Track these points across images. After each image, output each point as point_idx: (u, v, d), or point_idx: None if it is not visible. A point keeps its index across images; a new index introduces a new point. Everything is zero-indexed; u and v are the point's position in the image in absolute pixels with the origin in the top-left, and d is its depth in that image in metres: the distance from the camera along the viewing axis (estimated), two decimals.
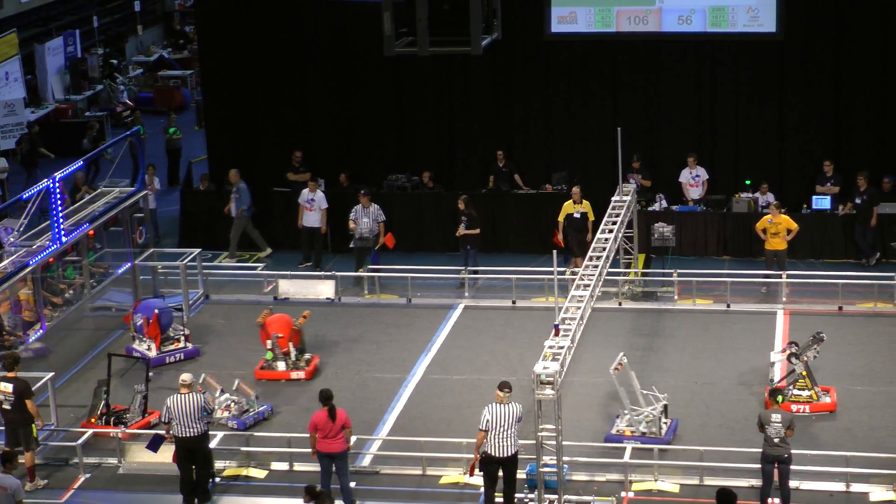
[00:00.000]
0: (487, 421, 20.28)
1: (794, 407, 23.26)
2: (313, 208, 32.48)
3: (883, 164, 32.84)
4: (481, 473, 20.61)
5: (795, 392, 23.81)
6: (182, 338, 27.47)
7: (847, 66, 33.20)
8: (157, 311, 27.04)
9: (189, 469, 21.43)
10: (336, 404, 21.14)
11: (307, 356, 26.36)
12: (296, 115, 35.99)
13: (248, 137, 36.29)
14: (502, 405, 20.36)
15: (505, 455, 20.30)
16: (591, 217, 30.77)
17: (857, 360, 25.90)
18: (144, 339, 26.99)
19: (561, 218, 31.21)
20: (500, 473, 20.57)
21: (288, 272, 30.48)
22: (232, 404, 24.22)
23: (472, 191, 33.45)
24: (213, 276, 31.08)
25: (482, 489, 20.95)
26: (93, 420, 24.18)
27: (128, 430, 23.45)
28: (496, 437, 20.25)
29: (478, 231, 31.11)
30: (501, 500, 20.67)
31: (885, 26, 32.70)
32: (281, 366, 26.03)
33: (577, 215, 30.87)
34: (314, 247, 32.70)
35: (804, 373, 23.84)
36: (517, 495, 20.71)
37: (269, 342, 26.08)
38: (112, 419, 24.08)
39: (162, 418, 21.55)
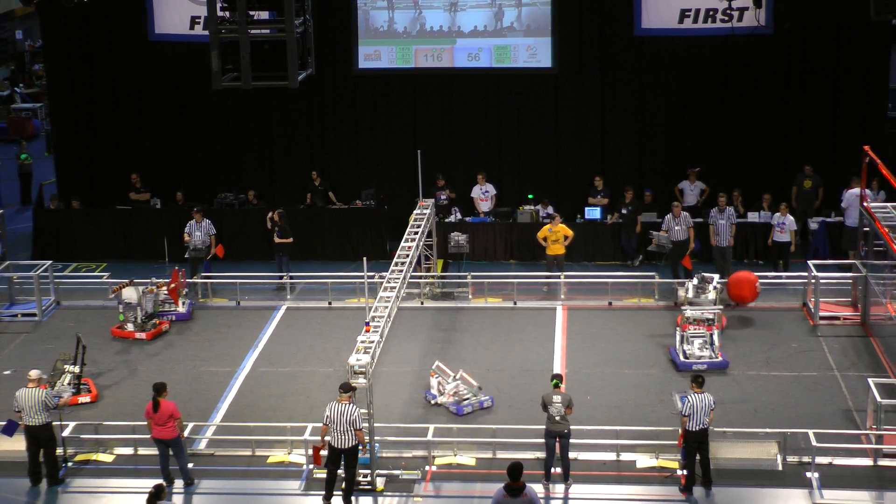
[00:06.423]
0: (327, 416, 20.08)
1: None
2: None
3: (644, 180, 33.42)
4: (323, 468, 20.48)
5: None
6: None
7: (611, 96, 33.74)
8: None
9: (36, 453, 21.15)
10: (174, 395, 20.82)
11: (154, 321, 26.26)
12: (135, 142, 35.49)
13: (93, 162, 35.73)
14: (341, 404, 20.08)
15: (345, 447, 20.08)
16: None
17: (624, 347, 26.19)
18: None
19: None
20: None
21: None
22: (458, 390, 23.53)
23: (291, 207, 33.24)
24: (64, 284, 30.39)
25: (306, 467, 21.05)
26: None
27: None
28: (336, 431, 20.02)
29: (290, 240, 30.95)
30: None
31: (641, 60, 33.34)
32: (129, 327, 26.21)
33: None
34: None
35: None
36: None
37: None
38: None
39: (13, 407, 21.09)
